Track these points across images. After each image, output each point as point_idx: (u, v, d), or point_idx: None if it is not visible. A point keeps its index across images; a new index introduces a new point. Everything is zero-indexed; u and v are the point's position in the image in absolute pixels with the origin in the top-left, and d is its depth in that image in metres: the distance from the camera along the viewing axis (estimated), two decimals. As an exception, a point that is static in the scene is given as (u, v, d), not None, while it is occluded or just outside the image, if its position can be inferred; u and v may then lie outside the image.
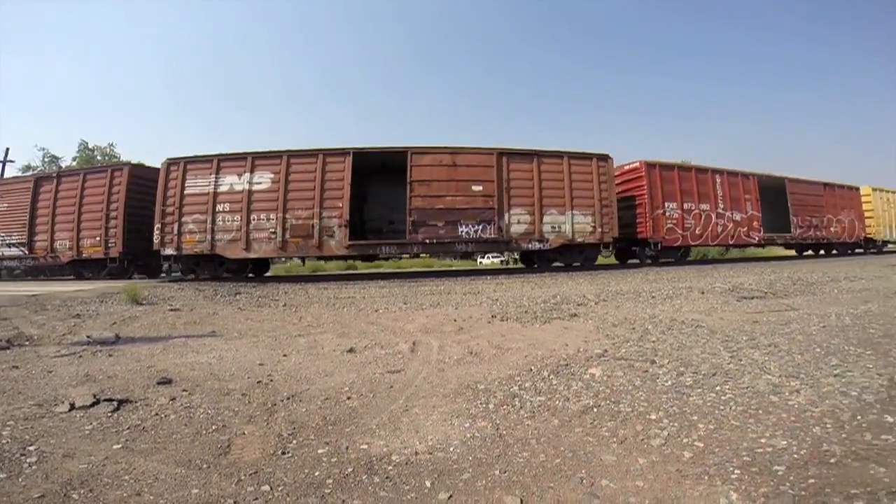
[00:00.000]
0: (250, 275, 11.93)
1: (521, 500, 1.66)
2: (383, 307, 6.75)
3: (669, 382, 2.83)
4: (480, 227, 11.34)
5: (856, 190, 19.69)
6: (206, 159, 10.98)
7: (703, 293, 7.07)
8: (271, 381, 3.19)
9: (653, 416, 2.34)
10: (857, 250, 20.10)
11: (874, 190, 20.44)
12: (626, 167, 14.29)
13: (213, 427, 2.40)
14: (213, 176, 10.80)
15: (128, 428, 2.39)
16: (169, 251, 10.78)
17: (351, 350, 4.02)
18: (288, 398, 2.82)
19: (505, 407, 2.58)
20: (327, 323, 5.60)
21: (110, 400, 2.77)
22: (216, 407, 2.68)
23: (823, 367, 3.03)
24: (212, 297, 8.01)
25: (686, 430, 2.17)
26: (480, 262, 30.21)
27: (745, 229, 15.25)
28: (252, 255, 10.79)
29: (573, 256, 12.60)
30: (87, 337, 4.69)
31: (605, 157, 12.42)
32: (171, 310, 6.53)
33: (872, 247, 20.62)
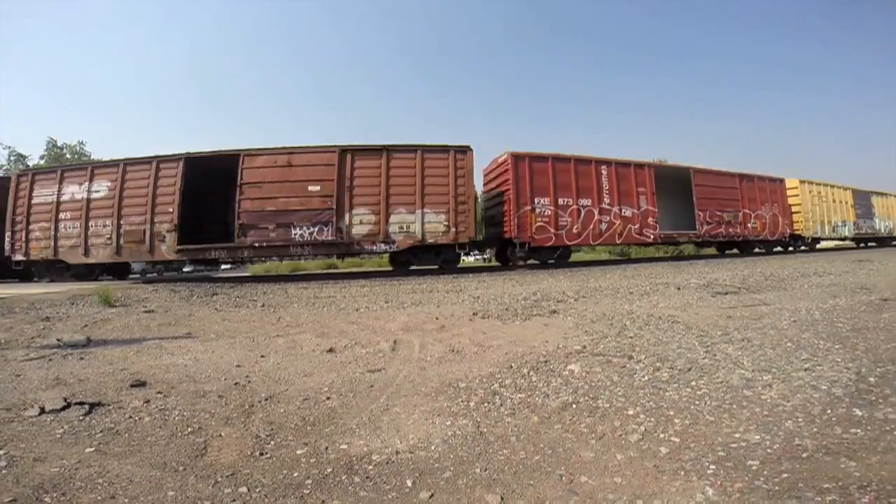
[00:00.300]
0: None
1: (502, 498, 1.67)
2: (364, 306, 6.71)
3: (646, 378, 2.89)
4: (316, 228, 10.96)
5: (780, 182, 17.80)
6: (51, 170, 11.84)
7: (679, 289, 7.22)
8: (249, 382, 3.14)
9: (630, 412, 2.38)
10: (787, 248, 19.08)
11: (802, 182, 18.86)
12: (499, 160, 13.14)
13: (189, 429, 2.36)
14: (57, 186, 11.36)
15: (101, 431, 2.34)
16: (18, 257, 11.42)
17: (331, 350, 3.98)
18: (266, 399, 2.78)
19: (486, 405, 2.59)
20: (307, 323, 5.54)
21: (82, 403, 2.69)
22: (192, 409, 2.63)
23: (794, 361, 3.13)
24: (188, 299, 7.83)
25: (663, 425, 2.22)
26: (463, 260, 30.27)
27: (638, 226, 13.58)
28: (90, 261, 11.20)
29: (429, 259, 11.99)
30: (58, 340, 4.54)
31: (463, 150, 11.49)
32: (146, 311, 6.36)
33: (802, 244, 19.10)
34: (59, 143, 34.26)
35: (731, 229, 15.80)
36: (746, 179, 16.58)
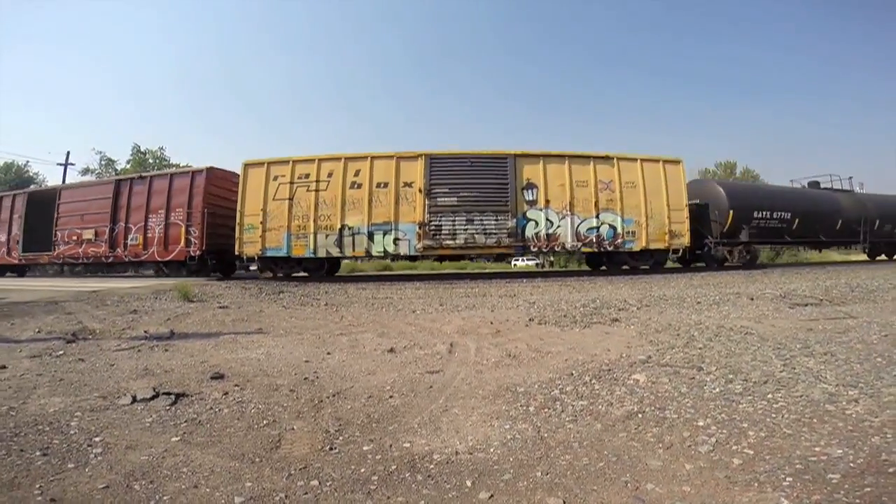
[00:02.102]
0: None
1: (564, 502, 1.66)
2: (420, 308, 6.83)
3: (718, 390, 2.75)
4: None
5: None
6: None
7: (752, 299, 6.77)
8: (317, 377, 3.31)
9: (700, 423, 2.28)
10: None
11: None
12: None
13: (264, 422, 2.50)
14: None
15: (185, 421, 2.51)
16: None
17: (391, 350, 4.10)
18: (333, 395, 2.92)
19: (546, 410, 2.57)
20: (367, 322, 5.73)
21: (168, 393, 2.91)
22: (266, 402, 2.80)
23: (885, 376, 2.86)
24: (257, 296, 8.33)
25: (735, 437, 2.11)
26: (514, 265, 29.94)
27: (4, 251, 14.68)
28: None
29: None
30: (145, 332, 4.98)
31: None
32: (220, 307, 6.84)
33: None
34: (142, 149, 37.22)
35: (93, 249, 13.11)
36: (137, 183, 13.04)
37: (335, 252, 11.30)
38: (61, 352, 4.07)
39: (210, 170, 12.41)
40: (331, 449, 2.16)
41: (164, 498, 1.73)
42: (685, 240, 12.05)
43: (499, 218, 11.20)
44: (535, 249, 11.73)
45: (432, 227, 11.07)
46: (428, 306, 7.03)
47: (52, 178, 37.79)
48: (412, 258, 12.15)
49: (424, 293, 8.74)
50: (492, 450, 2.12)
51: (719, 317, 5.39)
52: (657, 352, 3.73)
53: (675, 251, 12.71)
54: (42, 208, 14.30)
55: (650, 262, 12.53)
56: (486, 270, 17.95)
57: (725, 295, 7.32)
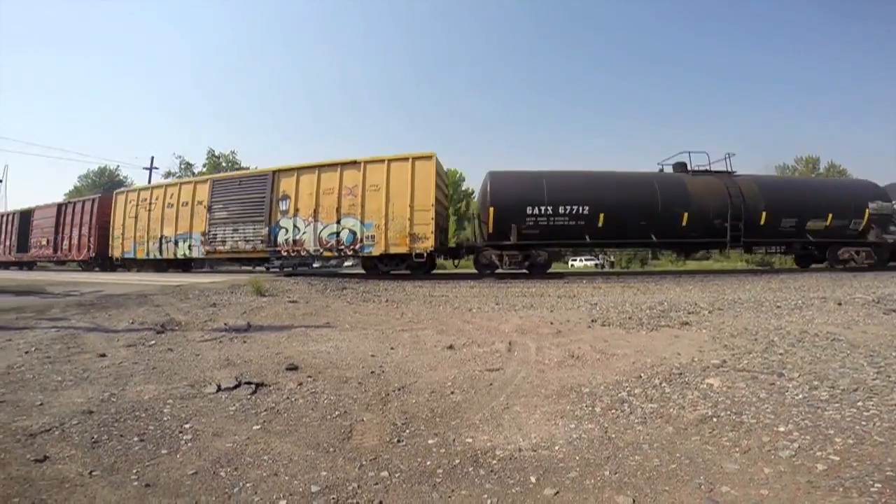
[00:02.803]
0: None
1: (634, 501, 1.64)
2: (476, 307, 6.86)
3: (801, 396, 2.58)
4: None
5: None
6: None
7: (839, 304, 6.20)
8: (383, 371, 3.43)
9: (781, 429, 2.15)
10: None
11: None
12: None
13: (336, 413, 2.61)
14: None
15: (264, 410, 2.64)
16: None
17: (451, 347, 4.16)
18: (398, 389, 3.01)
19: (613, 411, 2.52)
20: (426, 319, 5.85)
21: (249, 383, 3.08)
22: (337, 394, 2.93)
23: None
24: (322, 291, 8.72)
25: (820, 443, 1.98)
26: (572, 265, 29.09)
27: (6, 251, 21.71)
28: None
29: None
30: (225, 324, 5.36)
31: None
32: (290, 302, 7.23)
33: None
34: (216, 153, 39.93)
35: (46, 251, 20.85)
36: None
37: (157, 255, 14.83)
38: (153, 342, 4.44)
39: (100, 198, 18.40)
40: (398, 441, 2.23)
41: (248, 485, 1.82)
42: (430, 243, 11.38)
43: (256, 227, 12.93)
44: (285, 254, 12.74)
45: (210, 236, 13.69)
46: (484, 305, 7.05)
47: (139, 181, 41.42)
48: (201, 260, 15.24)
49: (479, 292, 8.76)
50: (556, 448, 2.11)
51: (802, 322, 5.00)
52: (733, 356, 3.53)
53: (420, 255, 11.58)
54: (27, 222, 21.35)
55: (402, 266, 12.23)
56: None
57: (809, 299, 6.75)
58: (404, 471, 1.94)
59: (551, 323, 5.32)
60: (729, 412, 2.41)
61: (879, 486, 1.61)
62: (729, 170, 13.15)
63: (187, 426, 2.39)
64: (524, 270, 12.09)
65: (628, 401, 2.67)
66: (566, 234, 11.83)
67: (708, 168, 13.28)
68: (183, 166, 39.76)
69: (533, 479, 1.84)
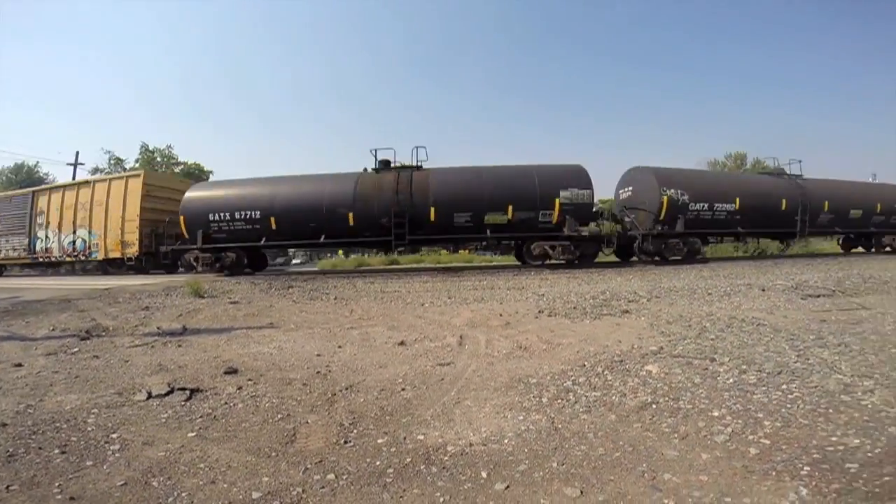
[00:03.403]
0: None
1: (581, 492, 1.66)
2: (428, 301, 6.84)
3: (731, 380, 2.74)
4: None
5: None
6: None
7: (763, 290, 6.71)
8: (329, 371, 3.33)
9: (715, 413, 2.27)
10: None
11: None
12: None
13: (279, 416, 2.52)
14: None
15: (200, 416, 2.53)
16: None
17: (402, 343, 4.11)
18: (346, 388, 2.93)
19: (559, 401, 2.57)
20: (377, 316, 5.75)
21: (183, 389, 2.93)
22: (280, 396, 2.82)
23: (901, 367, 2.84)
24: (267, 291, 8.38)
25: (751, 427, 2.10)
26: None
27: None
28: None
29: None
30: (158, 328, 5.04)
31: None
32: (231, 302, 6.90)
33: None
34: (150, 148, 37.46)
35: None
36: None
37: None
38: (76, 349, 4.12)
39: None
40: (345, 442, 2.17)
41: (183, 494, 1.74)
42: (135, 248, 13.75)
43: (20, 238, 16.05)
44: (42, 260, 15.71)
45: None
46: (436, 299, 7.04)
47: (62, 178, 38.17)
48: None
49: (432, 286, 8.74)
50: (506, 441, 2.12)
51: (730, 308, 5.36)
52: (669, 343, 3.71)
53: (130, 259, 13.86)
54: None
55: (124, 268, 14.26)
56: (493, 263, 17.88)
57: (736, 286, 7.25)
58: (352, 472, 1.89)
59: (501, 315, 5.39)
60: (667, 398, 2.52)
61: (808, 468, 1.71)
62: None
63: (114, 436, 2.28)
64: None
65: (573, 390, 2.74)
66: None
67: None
68: (112, 161, 36.95)
69: (484, 475, 1.84)
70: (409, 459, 1.98)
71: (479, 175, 12.04)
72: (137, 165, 35.68)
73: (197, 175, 35.80)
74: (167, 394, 2.87)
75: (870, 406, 2.26)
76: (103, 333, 4.87)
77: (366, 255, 24.76)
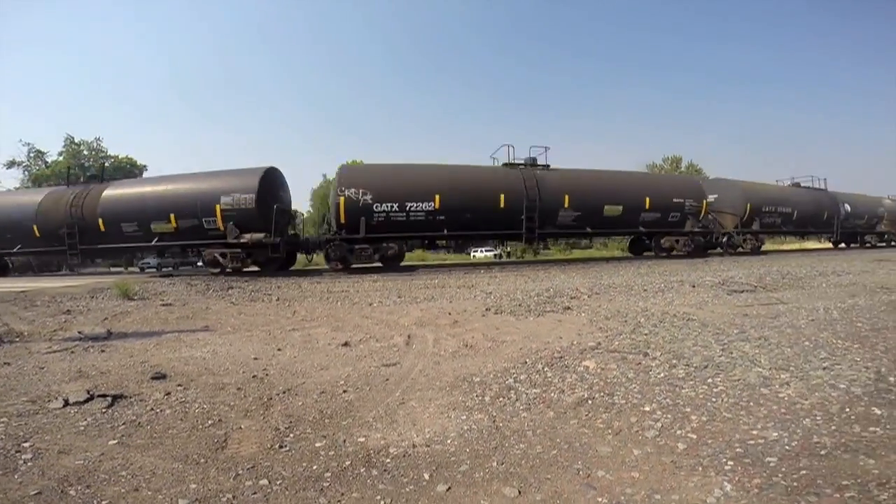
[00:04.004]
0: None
1: (520, 492, 1.69)
2: (377, 301, 6.75)
3: (662, 374, 2.87)
4: None
5: None
6: None
7: (694, 286, 7.14)
8: (266, 375, 3.19)
9: (647, 408, 2.38)
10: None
11: None
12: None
13: (210, 422, 2.40)
14: None
15: (123, 423, 2.39)
16: None
17: (346, 344, 4.02)
18: (284, 392, 2.83)
19: (501, 399, 2.60)
20: (321, 317, 5.59)
21: (104, 395, 2.76)
22: (212, 402, 2.68)
23: (812, 360, 3.09)
24: (204, 292, 7.95)
25: (679, 421, 2.21)
26: (473, 256, 30.19)
27: None
28: None
29: None
30: (79, 333, 4.65)
31: None
32: (164, 305, 6.48)
33: None
34: (76, 140, 34.82)
35: None
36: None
37: None
38: (-18, 356, 3.73)
39: None
40: (280, 447, 2.10)
41: (103, 502, 1.66)
42: None
43: None
44: None
45: None
46: (385, 299, 6.95)
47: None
48: None
49: (382, 286, 8.64)
50: (449, 441, 2.12)
51: (664, 303, 5.65)
52: (606, 338, 3.86)
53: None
54: None
55: None
56: (447, 262, 17.97)
57: (670, 283, 7.67)
58: (287, 477, 1.83)
59: (450, 313, 5.41)
60: (602, 394, 2.61)
61: (732, 463, 1.81)
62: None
63: (26, 445, 2.14)
64: None
65: (514, 387, 2.78)
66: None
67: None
68: (32, 154, 33.88)
69: (426, 476, 1.82)
70: (348, 462, 1.94)
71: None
72: (61, 159, 33.11)
73: (129, 170, 33.70)
74: (86, 401, 2.70)
75: (786, 399, 2.43)
76: (17, 339, 4.46)
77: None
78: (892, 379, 2.68)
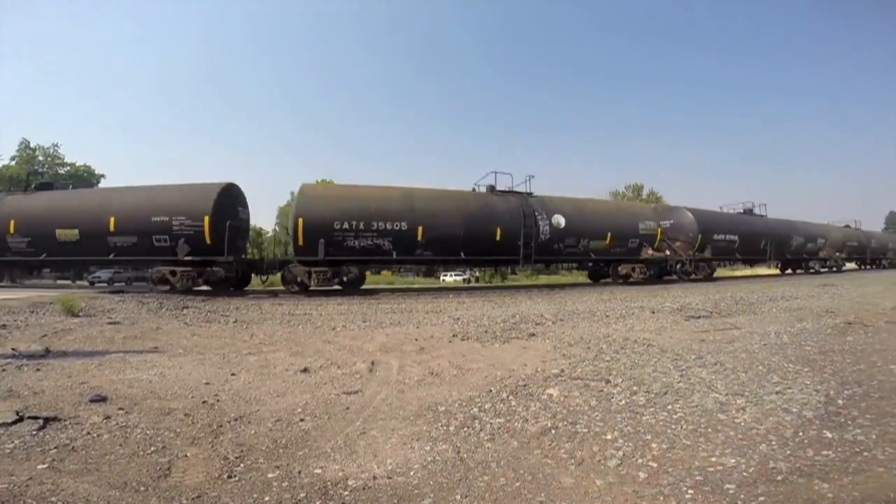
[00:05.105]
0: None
1: (482, 527, 1.62)
2: (341, 325, 6.58)
3: (623, 402, 2.89)
4: None
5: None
6: None
7: (653, 312, 7.33)
8: (218, 400, 3.02)
9: (608, 437, 2.37)
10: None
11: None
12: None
13: (152, 448, 2.24)
14: None
15: (55, 447, 2.23)
16: None
17: (305, 370, 3.86)
18: (235, 419, 2.67)
19: (465, 429, 2.54)
20: (280, 341, 5.39)
21: (36, 417, 2.57)
22: (156, 427, 2.51)
23: (766, 384, 3.20)
24: (156, 311, 7.56)
25: (640, 449, 2.21)
26: (443, 280, 30.17)
27: None
28: None
29: None
30: (13, 350, 4.31)
31: None
32: (111, 323, 6.11)
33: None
34: (31, 145, 33.19)
35: None
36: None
37: None
38: None
39: None
40: (230, 477, 1.97)
41: None
42: None
43: None
44: None
45: None
46: (350, 323, 6.79)
47: None
48: None
49: (347, 309, 8.46)
50: (412, 473, 2.04)
51: (625, 329, 5.76)
52: (570, 365, 3.87)
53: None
54: None
55: None
56: (415, 286, 17.83)
57: (631, 309, 7.86)
58: (234, 509, 1.70)
59: (416, 339, 5.32)
60: (566, 422, 2.60)
61: (692, 492, 1.81)
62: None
63: None
64: None
65: (479, 417, 2.73)
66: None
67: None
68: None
69: (386, 510, 1.73)
70: (303, 494, 1.83)
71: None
72: (14, 164, 31.42)
73: (86, 178, 32.27)
74: (14, 422, 2.52)
75: (742, 424, 2.49)
76: (-61, 356, 4.06)
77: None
78: (840, 402, 2.81)
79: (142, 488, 1.85)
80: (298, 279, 11.27)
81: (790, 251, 20.57)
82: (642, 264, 14.93)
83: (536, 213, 13.06)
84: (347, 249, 11.32)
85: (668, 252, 15.76)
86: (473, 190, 14.06)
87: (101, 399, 2.93)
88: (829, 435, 2.31)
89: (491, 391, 3.20)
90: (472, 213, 12.43)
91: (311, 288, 11.29)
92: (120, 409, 2.78)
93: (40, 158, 32.95)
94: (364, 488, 1.90)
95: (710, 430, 2.43)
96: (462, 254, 12.40)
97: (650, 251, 15.03)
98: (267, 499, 1.79)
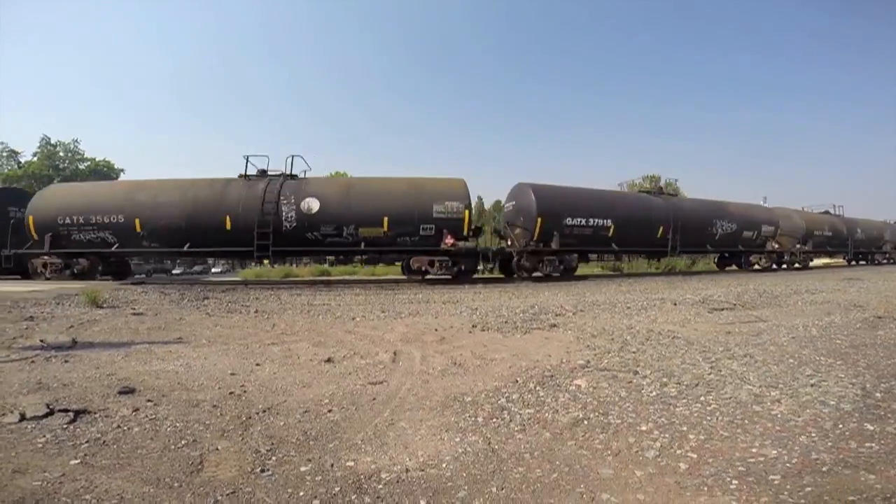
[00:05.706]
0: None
1: (523, 519, 1.59)
2: (360, 315, 6.59)
3: (654, 393, 2.84)
4: None
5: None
6: None
7: (675, 304, 7.22)
8: (244, 392, 3.02)
9: (643, 428, 2.32)
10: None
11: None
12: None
13: (183, 441, 2.23)
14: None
15: (86, 441, 2.21)
16: None
17: (329, 360, 3.86)
18: (264, 411, 2.67)
19: (494, 420, 2.50)
20: (302, 331, 5.41)
21: (66, 410, 2.56)
22: (185, 419, 2.51)
23: (799, 377, 3.12)
24: (178, 302, 7.67)
25: (678, 441, 2.16)
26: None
27: None
28: None
29: None
30: (41, 341, 4.38)
31: None
32: (135, 314, 6.20)
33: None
34: (52, 141, 33.88)
35: None
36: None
37: None
38: (-71, 366, 3.45)
39: None
40: (262, 471, 1.95)
41: None
42: None
43: None
44: None
45: None
46: (369, 313, 6.80)
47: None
48: None
49: (365, 299, 8.48)
50: (444, 465, 2.00)
51: (648, 321, 5.67)
52: (595, 356, 3.81)
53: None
54: None
55: None
56: (428, 277, 17.83)
57: (651, 300, 7.75)
58: (271, 504, 1.69)
59: (436, 330, 5.29)
60: (597, 413, 2.55)
61: (736, 482, 1.76)
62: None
63: None
64: None
65: (507, 407, 2.69)
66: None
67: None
68: (6, 154, 32.75)
69: (423, 503, 1.71)
70: (337, 489, 1.80)
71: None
72: (35, 159, 32.13)
73: (105, 173, 32.88)
74: (45, 415, 2.49)
75: (779, 416, 2.42)
76: (-31, 348, 4.14)
77: (294, 266, 23.90)
78: (878, 395, 2.72)
79: (175, 484, 1.84)
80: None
81: (713, 241, 16.45)
82: (445, 257, 11.78)
83: (282, 199, 11.52)
84: (76, 243, 12.10)
85: (507, 243, 13.95)
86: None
87: (129, 391, 2.94)
88: (871, 427, 2.24)
89: (517, 381, 3.16)
90: (200, 202, 11.71)
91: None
92: (148, 401, 2.79)
93: (61, 154, 33.61)
94: (398, 481, 1.87)
95: (746, 421, 2.37)
96: (187, 246, 11.74)
97: (449, 240, 11.60)
98: (302, 494, 1.77)
